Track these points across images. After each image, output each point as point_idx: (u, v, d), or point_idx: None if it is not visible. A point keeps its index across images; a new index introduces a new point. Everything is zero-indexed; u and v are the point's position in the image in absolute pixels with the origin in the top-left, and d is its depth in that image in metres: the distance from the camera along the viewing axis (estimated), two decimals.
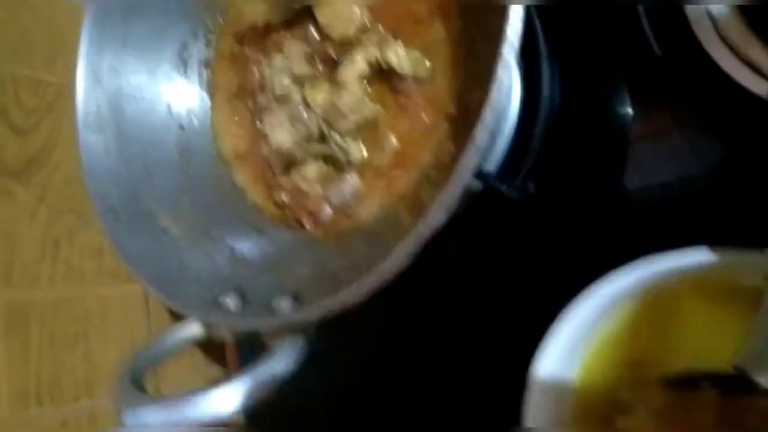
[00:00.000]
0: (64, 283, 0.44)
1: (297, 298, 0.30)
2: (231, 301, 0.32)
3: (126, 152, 0.36)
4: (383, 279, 0.25)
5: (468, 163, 0.22)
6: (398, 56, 0.31)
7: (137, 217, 0.35)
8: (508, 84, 0.23)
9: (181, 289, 0.33)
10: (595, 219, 0.35)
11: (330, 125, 0.33)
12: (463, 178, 0.22)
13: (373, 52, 0.32)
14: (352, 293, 0.25)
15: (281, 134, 0.34)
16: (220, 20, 0.39)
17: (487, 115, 0.22)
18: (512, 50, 0.23)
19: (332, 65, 0.34)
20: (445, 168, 0.28)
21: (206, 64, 0.40)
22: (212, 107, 0.39)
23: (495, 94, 0.23)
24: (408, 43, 0.32)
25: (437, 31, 0.31)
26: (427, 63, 0.32)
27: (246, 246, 0.36)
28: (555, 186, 0.34)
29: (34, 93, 0.45)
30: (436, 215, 0.23)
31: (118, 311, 0.47)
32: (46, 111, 0.45)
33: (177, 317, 0.45)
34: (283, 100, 0.35)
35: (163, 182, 0.37)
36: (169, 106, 0.39)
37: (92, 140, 0.35)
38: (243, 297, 0.32)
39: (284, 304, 0.30)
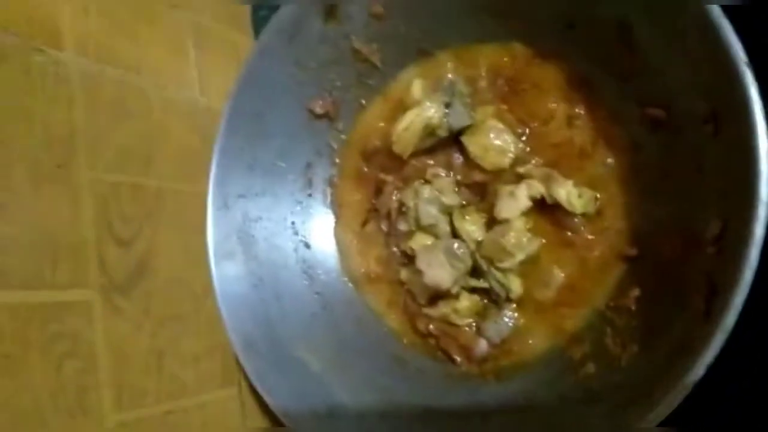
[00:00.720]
0: (168, 397, 0.43)
1: None
2: None
3: (255, 276, 0.36)
4: None
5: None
6: (568, 194, 0.31)
7: (275, 350, 0.35)
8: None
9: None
10: None
11: (491, 262, 0.33)
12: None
13: (538, 189, 0.32)
14: None
15: (441, 273, 0.33)
16: (343, 137, 0.39)
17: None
18: None
19: (480, 192, 0.34)
20: (629, 313, 0.28)
21: (330, 182, 0.40)
22: (337, 226, 0.39)
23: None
24: (570, 176, 0.32)
25: (602, 164, 0.31)
26: (597, 197, 0.32)
27: (389, 380, 0.35)
28: None
29: (133, 200, 0.43)
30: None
31: (216, 417, 0.46)
32: (145, 218, 0.44)
33: (272, 419, 0.45)
34: (429, 230, 0.35)
35: (292, 305, 0.36)
36: (294, 225, 0.39)
37: (224, 269, 0.35)
38: None
39: None
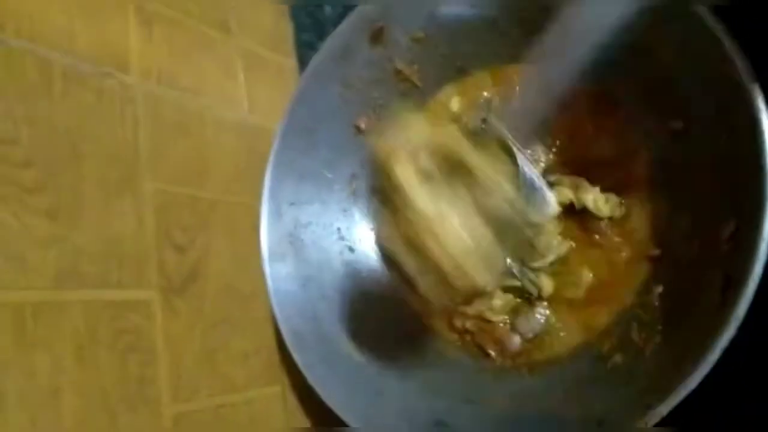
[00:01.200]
0: (221, 392, 0.46)
1: None
2: None
3: (303, 275, 0.39)
4: None
5: None
6: (595, 199, 0.33)
7: (323, 344, 0.37)
8: None
9: (381, 421, 0.35)
10: None
11: (523, 263, 0.35)
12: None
13: (567, 195, 0.34)
14: None
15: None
16: None
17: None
18: None
19: None
20: (653, 309, 0.30)
21: (373, 192, 0.43)
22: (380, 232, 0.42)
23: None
24: (597, 182, 0.34)
25: (627, 171, 0.33)
26: (622, 202, 0.34)
27: (433, 374, 0.38)
28: None
29: (190, 210, 0.47)
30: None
31: (261, 412, 0.49)
32: (200, 226, 0.48)
33: (311, 416, 0.47)
34: None
35: (338, 303, 0.39)
36: (339, 231, 0.42)
37: (276, 270, 0.38)
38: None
39: None
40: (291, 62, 0.63)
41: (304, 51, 0.62)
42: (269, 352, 0.49)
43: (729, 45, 0.29)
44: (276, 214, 0.39)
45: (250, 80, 0.56)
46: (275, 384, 0.50)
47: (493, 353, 0.36)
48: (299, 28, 0.63)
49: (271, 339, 0.49)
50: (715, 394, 0.28)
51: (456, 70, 0.46)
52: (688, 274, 0.32)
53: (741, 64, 0.29)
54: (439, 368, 0.37)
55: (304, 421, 0.51)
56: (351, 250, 0.41)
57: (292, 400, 0.50)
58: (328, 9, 0.61)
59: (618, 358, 0.32)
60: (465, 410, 0.34)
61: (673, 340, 0.30)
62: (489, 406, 0.34)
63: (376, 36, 0.44)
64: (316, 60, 0.43)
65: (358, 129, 0.46)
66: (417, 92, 0.48)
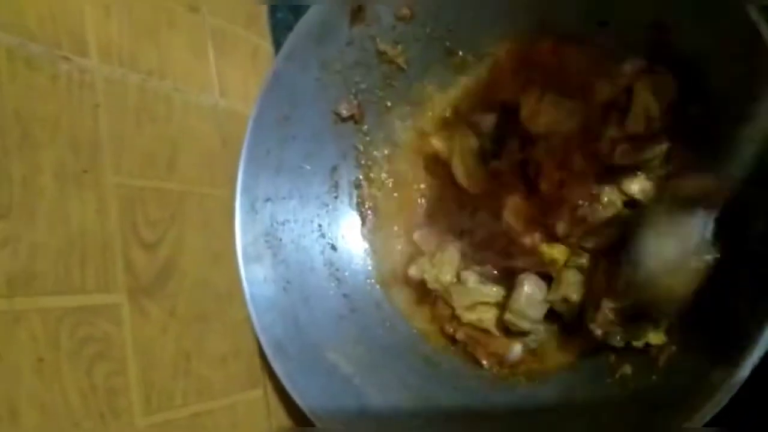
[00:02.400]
0: (197, 398, 0.43)
1: None
2: None
3: (282, 278, 0.36)
4: None
5: None
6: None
7: (305, 353, 0.35)
8: None
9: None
10: None
11: None
12: None
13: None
14: None
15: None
16: (368, 139, 0.39)
17: None
18: None
19: None
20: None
21: (356, 184, 0.40)
22: (374, 227, 0.39)
23: None
24: None
25: None
26: None
27: (419, 380, 0.35)
28: None
29: (158, 203, 0.44)
30: None
31: (243, 418, 0.46)
32: (169, 221, 0.44)
33: (297, 420, 0.45)
34: None
35: (321, 307, 0.36)
36: (320, 228, 0.39)
37: (253, 272, 0.35)
38: None
39: None
40: (265, 42, 0.59)
41: (280, 30, 0.58)
42: (249, 353, 0.46)
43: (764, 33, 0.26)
44: (251, 211, 0.36)
45: (221, 62, 0.52)
46: (257, 387, 0.47)
47: (486, 363, 0.34)
48: (273, 6, 0.59)
49: (250, 339, 0.46)
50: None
51: (445, 52, 0.42)
52: (710, 278, 0.29)
53: None
54: (429, 377, 0.35)
55: (288, 423, 0.48)
56: (333, 248, 0.39)
57: (275, 404, 0.48)
58: None
59: (627, 368, 0.30)
60: (454, 424, 0.32)
61: (692, 351, 0.28)
62: (481, 417, 0.32)
63: (357, 13, 0.40)
64: (290, 41, 0.39)
65: (338, 116, 0.42)
66: (402, 76, 0.44)
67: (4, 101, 0.35)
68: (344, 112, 0.41)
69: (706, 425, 0.25)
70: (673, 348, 0.30)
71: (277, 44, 0.58)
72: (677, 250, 0.29)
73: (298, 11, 0.54)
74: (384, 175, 0.40)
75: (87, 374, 0.36)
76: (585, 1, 0.35)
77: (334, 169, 0.40)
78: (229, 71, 0.53)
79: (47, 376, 0.34)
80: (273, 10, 0.59)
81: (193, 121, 0.48)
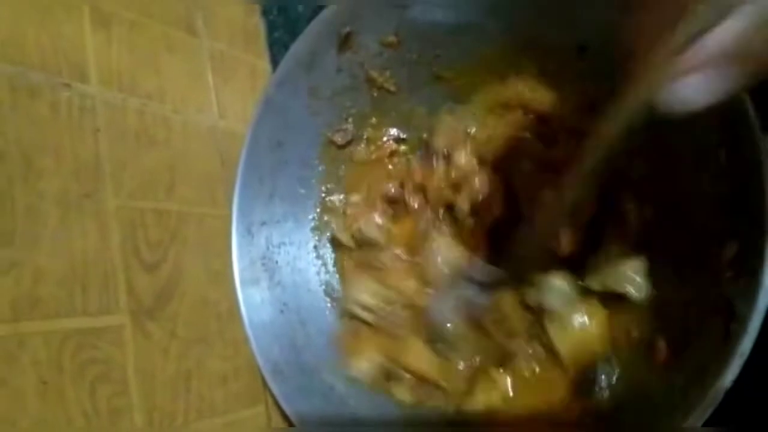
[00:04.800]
0: (198, 418, 0.44)
1: None
2: None
3: (279, 300, 0.37)
4: None
5: None
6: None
7: (302, 375, 0.35)
8: None
9: None
10: None
11: None
12: None
13: None
14: None
15: None
16: None
17: None
18: None
19: None
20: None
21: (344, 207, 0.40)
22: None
23: None
24: None
25: None
26: None
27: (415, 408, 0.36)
28: None
29: (158, 225, 0.44)
30: None
31: None
32: (169, 242, 0.45)
33: None
34: None
35: (317, 328, 0.37)
36: (316, 249, 0.40)
37: (250, 296, 0.36)
38: None
39: None
40: (264, 62, 0.60)
41: (277, 50, 0.59)
42: (250, 370, 0.47)
43: None
44: (247, 235, 0.37)
45: (220, 83, 0.53)
46: (258, 404, 0.48)
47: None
48: (271, 26, 0.60)
49: (250, 357, 0.46)
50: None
51: (431, 76, 0.43)
52: (690, 301, 0.30)
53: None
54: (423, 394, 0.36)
55: None
56: (327, 271, 0.39)
57: (277, 420, 0.48)
58: (300, 6, 0.59)
59: (619, 386, 0.31)
60: None
61: (677, 372, 0.29)
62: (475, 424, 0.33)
63: (345, 41, 0.41)
64: (281, 69, 0.40)
65: (335, 144, 0.43)
66: (392, 98, 0.45)
67: (7, 130, 0.36)
68: (340, 141, 0.42)
69: (705, 424, 0.26)
70: (661, 369, 0.30)
71: (275, 63, 0.58)
72: None
73: (294, 31, 0.55)
74: None
75: (90, 396, 0.36)
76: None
77: (328, 191, 0.40)
78: (228, 92, 0.54)
79: (51, 398, 0.34)
80: (270, 30, 0.60)
81: (193, 142, 0.49)
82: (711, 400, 0.25)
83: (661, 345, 0.31)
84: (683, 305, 0.30)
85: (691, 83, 0.22)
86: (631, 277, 0.34)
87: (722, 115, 0.28)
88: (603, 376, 0.33)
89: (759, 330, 0.25)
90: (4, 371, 0.33)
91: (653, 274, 0.33)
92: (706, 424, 0.27)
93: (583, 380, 0.34)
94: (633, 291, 0.33)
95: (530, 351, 0.35)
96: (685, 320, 0.30)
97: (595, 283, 0.35)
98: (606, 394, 0.32)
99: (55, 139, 0.39)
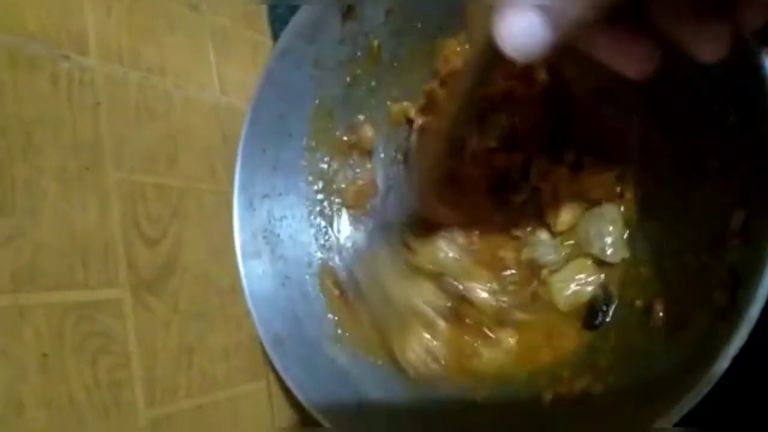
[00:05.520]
0: (200, 392, 0.44)
1: None
2: None
3: (281, 273, 0.36)
4: None
5: None
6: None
7: (304, 347, 0.35)
8: None
9: (363, 427, 0.33)
10: None
11: None
12: None
13: None
14: None
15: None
16: None
17: None
18: None
19: None
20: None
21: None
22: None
23: None
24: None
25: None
26: None
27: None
28: None
29: (159, 199, 0.44)
30: None
31: (246, 410, 0.47)
32: (170, 217, 0.45)
33: (299, 412, 0.46)
34: None
35: (319, 302, 0.37)
36: (319, 224, 0.39)
37: (252, 268, 0.35)
38: None
39: None
40: (265, 37, 0.60)
41: (279, 26, 0.58)
42: (251, 346, 0.47)
43: None
44: (249, 208, 0.37)
45: (222, 58, 0.53)
46: (259, 379, 0.48)
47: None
48: (273, 2, 0.59)
49: (252, 332, 0.46)
50: (735, 395, 0.26)
51: (434, 44, 0.42)
52: (693, 271, 0.29)
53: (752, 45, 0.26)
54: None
55: (291, 416, 0.49)
56: (330, 242, 0.39)
57: (278, 395, 0.48)
58: None
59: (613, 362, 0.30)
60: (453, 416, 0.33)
61: (678, 345, 0.28)
62: (482, 409, 0.33)
63: (348, 11, 0.40)
64: (283, 40, 0.40)
65: (345, 143, 0.42)
66: (397, 68, 0.44)
67: (6, 104, 0.36)
68: (346, 138, 0.41)
69: (677, 425, 0.25)
70: (661, 343, 0.30)
71: (277, 39, 0.58)
72: None
73: (296, 7, 0.54)
74: None
75: (91, 368, 0.36)
76: None
77: (330, 164, 0.40)
78: (230, 68, 0.54)
79: (52, 370, 0.34)
80: (272, 6, 0.60)
81: (194, 117, 0.48)
82: (716, 372, 0.24)
83: (659, 308, 0.31)
84: (685, 270, 0.30)
85: (516, 23, 0.19)
86: (604, 239, 0.34)
87: (731, 75, 0.27)
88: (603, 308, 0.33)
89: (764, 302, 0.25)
90: (5, 343, 0.33)
91: (652, 238, 0.32)
92: (698, 415, 0.26)
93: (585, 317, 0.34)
94: (606, 252, 0.33)
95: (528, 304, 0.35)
96: (688, 287, 0.29)
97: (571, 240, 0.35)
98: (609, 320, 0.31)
99: (54, 112, 0.39)
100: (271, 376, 0.48)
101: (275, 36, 0.59)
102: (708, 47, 0.21)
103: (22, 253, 0.35)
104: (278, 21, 0.59)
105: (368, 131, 0.42)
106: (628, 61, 0.23)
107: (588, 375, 0.31)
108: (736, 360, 0.25)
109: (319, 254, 0.39)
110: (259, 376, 0.48)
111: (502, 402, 0.33)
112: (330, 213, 0.40)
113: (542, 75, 0.36)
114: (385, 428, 0.33)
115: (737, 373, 0.25)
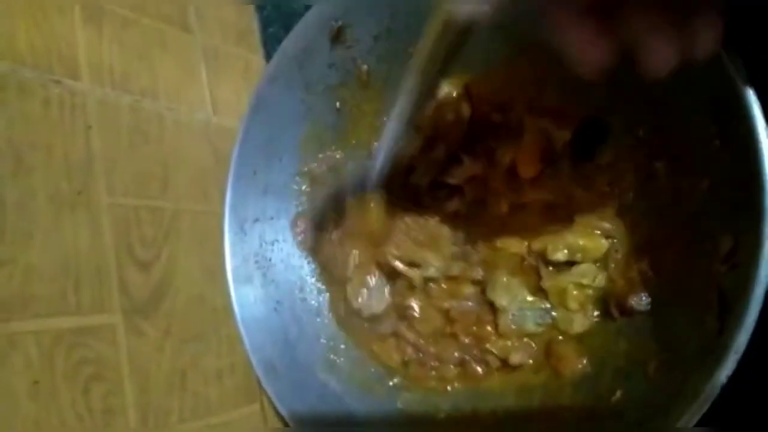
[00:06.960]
0: (193, 415, 0.43)
1: None
2: None
3: (272, 298, 0.36)
4: None
5: None
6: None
7: (296, 372, 0.35)
8: None
9: None
10: None
11: None
12: None
13: None
14: None
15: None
16: None
17: None
18: None
19: None
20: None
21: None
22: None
23: None
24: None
25: None
26: None
27: (412, 398, 0.36)
28: None
29: (152, 222, 0.44)
30: None
31: None
32: (163, 239, 0.45)
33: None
34: None
35: (311, 326, 0.37)
36: None
37: (243, 294, 0.35)
38: None
39: None
40: (257, 57, 0.60)
41: (272, 45, 0.59)
42: (245, 368, 0.47)
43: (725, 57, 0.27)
44: (240, 232, 0.37)
45: (214, 79, 0.53)
46: (253, 402, 0.47)
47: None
48: (265, 22, 0.60)
49: (246, 354, 0.46)
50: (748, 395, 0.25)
51: None
52: (681, 296, 0.30)
53: (735, 71, 0.27)
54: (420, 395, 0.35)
55: None
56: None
57: (273, 417, 0.48)
58: (294, 1, 0.58)
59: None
60: None
61: (670, 370, 0.28)
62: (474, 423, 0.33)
63: (337, 35, 0.40)
64: (273, 64, 0.40)
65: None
66: (385, 93, 0.44)
67: None
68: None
69: (701, 423, 0.25)
70: (653, 367, 0.30)
71: (269, 59, 0.58)
72: None
73: (289, 26, 0.54)
74: None
75: (83, 396, 0.36)
76: None
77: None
78: (222, 88, 0.54)
79: (43, 398, 0.34)
80: (265, 26, 0.60)
81: (186, 139, 0.48)
82: (707, 397, 0.24)
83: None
84: (676, 299, 0.30)
85: None
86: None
87: (715, 103, 0.27)
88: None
89: (754, 325, 0.25)
90: None
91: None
92: (702, 423, 0.26)
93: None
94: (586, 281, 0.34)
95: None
96: (679, 314, 0.30)
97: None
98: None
99: (46, 136, 0.39)
100: (266, 399, 0.47)
101: (268, 56, 0.59)
102: (659, 57, 0.22)
103: (13, 279, 0.35)
104: (271, 40, 0.59)
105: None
106: (589, 51, 0.24)
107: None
108: (745, 361, 0.24)
109: (310, 278, 0.39)
110: (253, 398, 0.47)
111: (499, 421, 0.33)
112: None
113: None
114: None
115: (751, 371, 0.24)
